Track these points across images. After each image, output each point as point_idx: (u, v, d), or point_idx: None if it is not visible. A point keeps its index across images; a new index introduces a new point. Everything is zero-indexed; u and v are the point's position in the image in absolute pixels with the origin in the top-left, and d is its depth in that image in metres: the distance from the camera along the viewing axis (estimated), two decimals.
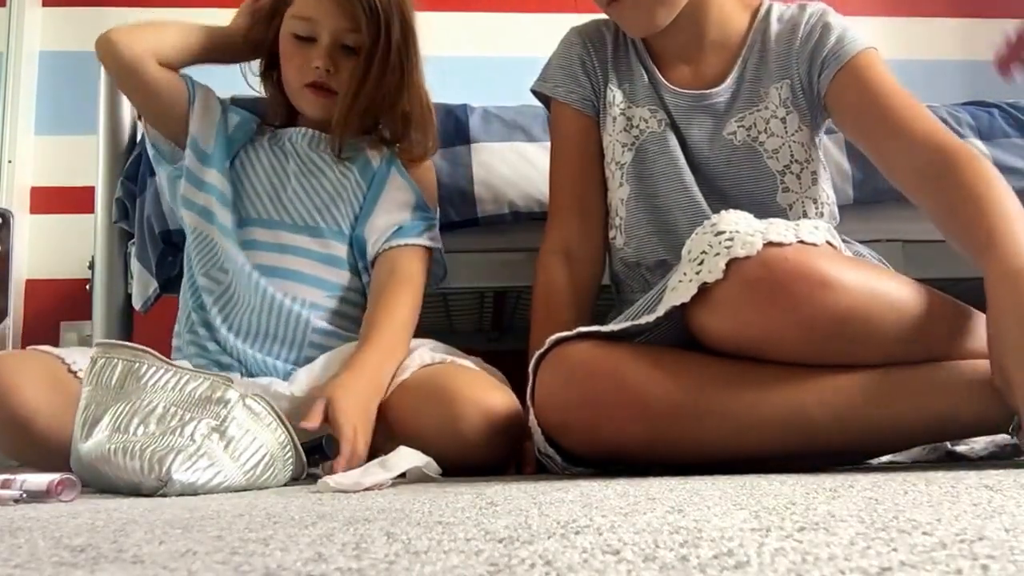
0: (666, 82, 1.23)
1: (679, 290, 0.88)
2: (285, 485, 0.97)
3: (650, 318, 0.91)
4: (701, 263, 0.87)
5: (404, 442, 0.98)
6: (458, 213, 1.50)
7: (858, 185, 1.54)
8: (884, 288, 0.89)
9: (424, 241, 1.34)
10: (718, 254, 0.86)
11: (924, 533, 0.41)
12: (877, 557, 0.35)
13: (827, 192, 1.23)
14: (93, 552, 0.43)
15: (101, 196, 1.50)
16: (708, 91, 1.21)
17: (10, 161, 2.23)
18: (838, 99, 1.16)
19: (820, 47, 1.17)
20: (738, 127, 1.19)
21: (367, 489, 0.82)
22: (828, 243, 0.89)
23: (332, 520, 0.55)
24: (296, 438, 0.98)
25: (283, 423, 0.96)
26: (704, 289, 0.87)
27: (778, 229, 0.87)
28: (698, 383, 0.89)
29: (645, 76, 1.25)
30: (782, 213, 1.18)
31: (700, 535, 0.42)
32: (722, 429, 0.89)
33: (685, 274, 0.89)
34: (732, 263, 0.85)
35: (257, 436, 0.93)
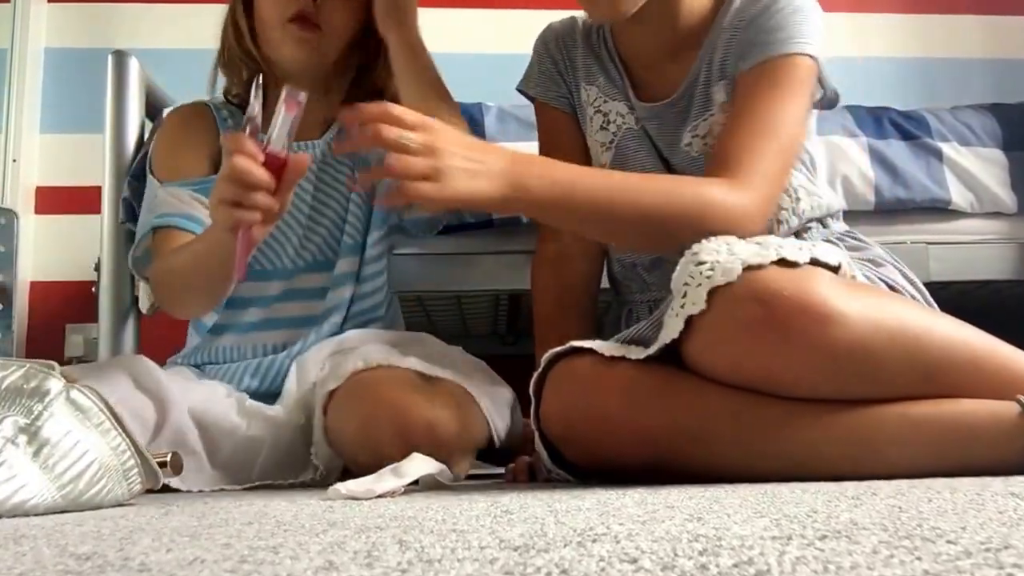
0: (631, 91, 1.19)
1: (668, 326, 0.87)
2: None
3: (640, 356, 0.90)
4: (684, 295, 0.86)
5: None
6: (473, 215, 1.49)
7: (879, 192, 1.53)
8: (890, 320, 0.85)
9: None
10: (699, 284, 0.85)
11: (948, 542, 0.40)
12: (900, 566, 0.34)
13: (806, 186, 1.15)
14: (99, 560, 0.42)
15: (108, 196, 1.48)
16: (661, 103, 1.16)
17: (15, 160, 2.20)
18: (737, 89, 1.07)
19: (754, 30, 1.06)
20: (692, 137, 1.13)
21: (379, 496, 0.82)
22: (828, 266, 0.86)
23: (343, 528, 0.55)
24: (140, 444, 0.78)
25: (119, 424, 0.76)
26: (692, 322, 0.85)
27: (753, 249, 0.84)
28: (704, 412, 0.87)
29: (618, 73, 1.20)
30: None
31: (720, 543, 0.41)
32: (727, 459, 0.87)
33: (672, 308, 0.88)
34: (715, 291, 0.83)
35: (81, 440, 0.73)
